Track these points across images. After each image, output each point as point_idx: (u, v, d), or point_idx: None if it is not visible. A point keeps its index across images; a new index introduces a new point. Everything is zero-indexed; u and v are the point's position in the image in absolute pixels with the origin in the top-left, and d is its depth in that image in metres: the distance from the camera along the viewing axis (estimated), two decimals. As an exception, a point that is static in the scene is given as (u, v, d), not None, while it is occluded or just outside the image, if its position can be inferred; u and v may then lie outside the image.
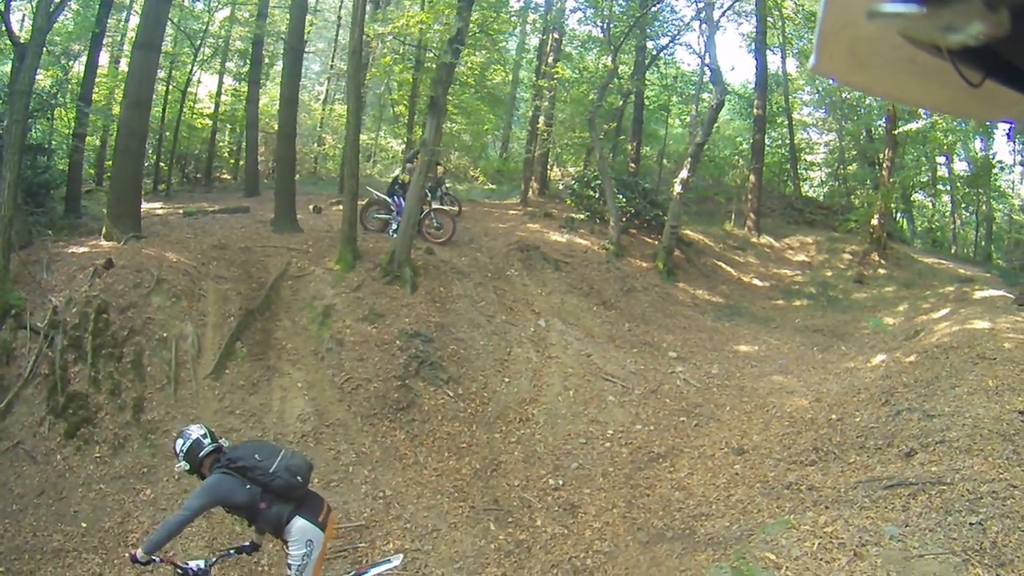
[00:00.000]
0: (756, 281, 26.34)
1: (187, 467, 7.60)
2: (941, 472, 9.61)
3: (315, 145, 37.44)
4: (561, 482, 12.63)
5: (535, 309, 17.75)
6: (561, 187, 31.14)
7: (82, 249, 15.72)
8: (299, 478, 7.63)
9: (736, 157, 40.01)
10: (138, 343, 13.10)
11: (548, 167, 32.85)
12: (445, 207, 23.01)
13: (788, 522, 9.12)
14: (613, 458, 13.36)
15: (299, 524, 7.60)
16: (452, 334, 15.56)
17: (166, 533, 7.06)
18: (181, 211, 21.94)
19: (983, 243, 38.65)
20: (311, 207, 23.16)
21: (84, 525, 10.41)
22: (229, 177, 33.29)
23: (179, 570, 7.47)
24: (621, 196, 25.69)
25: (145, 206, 19.96)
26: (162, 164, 29.91)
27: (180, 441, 7.64)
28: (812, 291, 25.40)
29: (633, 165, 33.06)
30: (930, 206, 42.15)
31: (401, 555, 8.87)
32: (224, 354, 13.58)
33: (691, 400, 15.32)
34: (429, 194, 20.86)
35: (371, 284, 16.04)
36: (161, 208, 22.45)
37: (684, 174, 24.36)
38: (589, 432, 14.04)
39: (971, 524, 8.07)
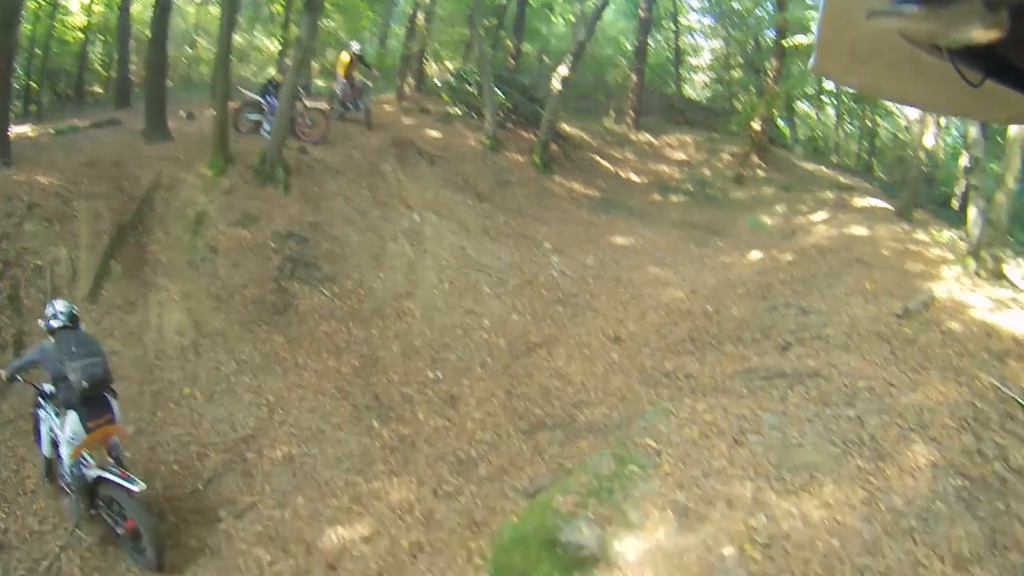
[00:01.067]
0: (633, 177, 26.38)
1: (45, 327, 9.08)
2: (818, 366, 9.80)
3: (188, 49, 36.26)
4: (440, 375, 12.76)
5: (409, 204, 17.54)
6: (439, 83, 30.73)
7: (-50, 181, 15.09)
8: (85, 382, 8.45)
9: (619, 57, 39.78)
10: (14, 275, 12.49)
11: (425, 63, 32.31)
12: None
13: (667, 409, 9.16)
14: (491, 348, 13.55)
15: (72, 417, 8.59)
16: (326, 233, 15.35)
17: (12, 367, 9.17)
18: (52, 131, 21.17)
19: (866, 156, 39.05)
20: (183, 113, 22.21)
21: (-21, 479, 10.05)
22: (101, 91, 31.85)
23: (36, 388, 9.32)
24: (499, 91, 25.51)
25: (15, 130, 19.20)
26: (32, 84, 28.88)
27: (47, 307, 9.21)
28: (690, 188, 25.54)
29: (513, 62, 32.87)
30: (814, 116, 42.45)
31: (144, 485, 8.81)
32: (99, 275, 13.06)
33: (567, 290, 15.56)
34: (302, 92, 20.43)
35: (243, 187, 15.66)
36: (31, 130, 21.40)
37: (564, 71, 24.26)
38: (466, 324, 14.19)
39: (849, 417, 8.20)
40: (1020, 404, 9.06)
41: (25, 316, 12.03)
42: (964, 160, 18.44)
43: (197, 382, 11.68)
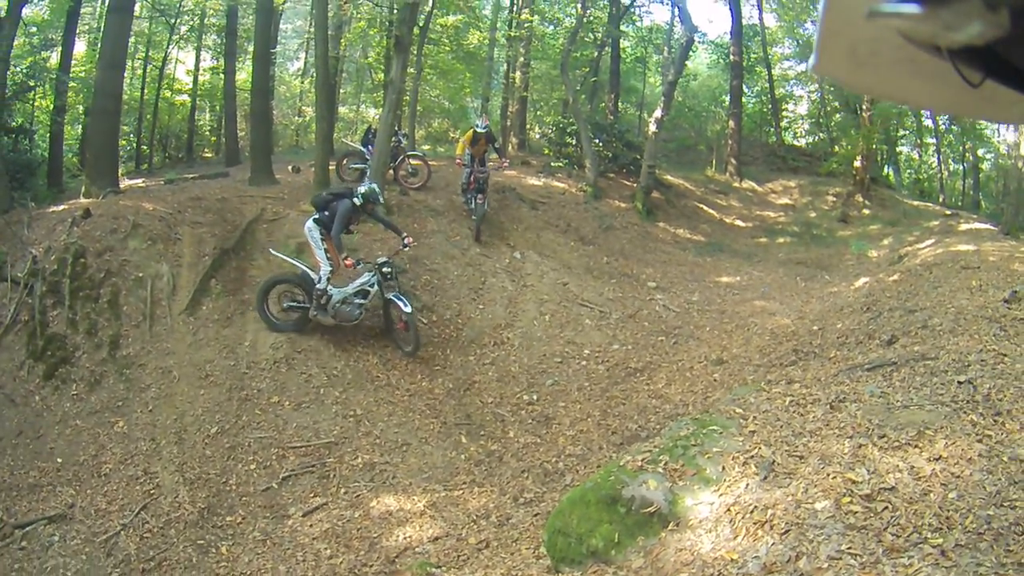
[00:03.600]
0: (738, 222, 26.33)
1: None
2: (925, 350, 9.32)
3: (296, 117, 37.27)
4: (535, 397, 12.81)
5: (510, 243, 17.80)
6: (539, 138, 31.00)
7: (62, 206, 15.91)
8: None
9: (716, 108, 39.97)
10: (114, 284, 13.17)
11: (527, 126, 32.65)
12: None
13: (759, 386, 8.88)
14: (589, 375, 13.51)
15: None
16: (426, 266, 15.70)
17: None
18: (162, 181, 21.93)
19: (971, 192, 38.65)
20: (290, 168, 23.05)
21: (59, 460, 10.51)
22: (211, 154, 32.99)
23: None
24: (598, 140, 25.87)
25: (127, 182, 20.25)
26: (143, 147, 29.96)
27: None
28: (796, 230, 25.41)
29: (612, 117, 32.63)
30: (916, 158, 42.05)
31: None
32: (198, 291, 13.63)
33: (670, 323, 15.49)
34: (404, 140, 20.85)
35: None
36: (143, 182, 22.49)
37: (658, 113, 24.50)
38: (565, 352, 14.19)
39: (959, 383, 7.60)
40: None
41: (123, 321, 12.77)
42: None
43: (286, 391, 11.97)
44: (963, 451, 6.14)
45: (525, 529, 8.74)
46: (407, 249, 13.93)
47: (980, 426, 6.57)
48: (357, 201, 13.24)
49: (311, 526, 9.47)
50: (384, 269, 13.13)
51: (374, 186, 13.71)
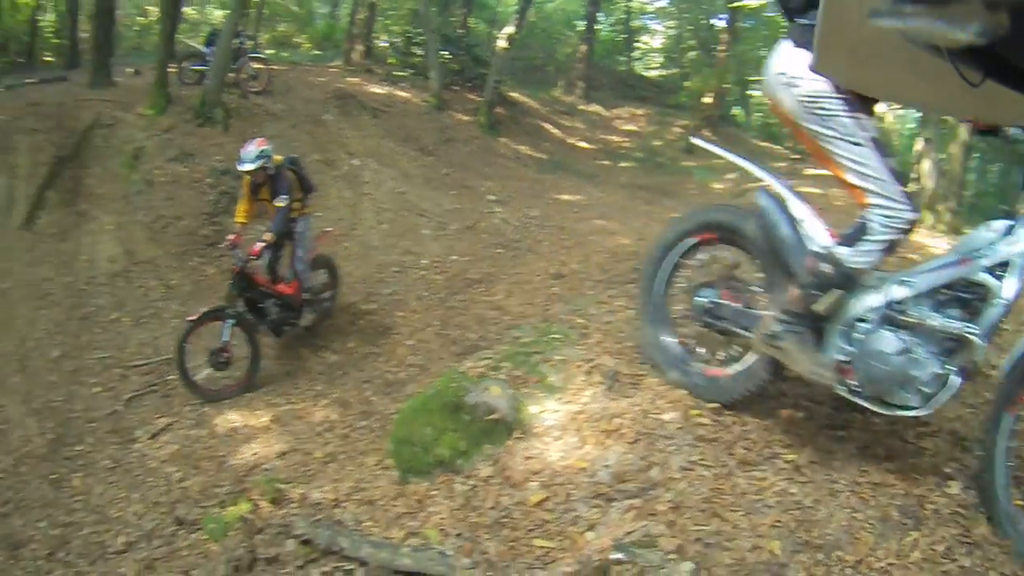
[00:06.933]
0: (582, 143, 26.53)
1: None
2: None
3: (139, 17, 36.35)
4: (374, 307, 12.69)
5: (350, 150, 17.48)
6: (387, 44, 30.63)
7: None
8: None
9: (569, 33, 40.00)
10: (-48, 203, 12.60)
11: (373, 34, 32.11)
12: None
13: (599, 299, 8.89)
14: (428, 284, 13.46)
15: None
16: (264, 171, 15.23)
17: None
18: (1, 88, 20.88)
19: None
20: (131, 70, 22.05)
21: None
22: (52, 59, 31.62)
23: None
24: (446, 52, 25.73)
25: (-34, 92, 19.30)
26: (-20, 56, 28.57)
27: None
28: (640, 155, 25.65)
29: (462, 31, 32.35)
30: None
31: None
32: (35, 204, 13.12)
33: (509, 236, 15.51)
34: (247, 41, 20.24)
35: (183, 126, 15.63)
36: (-20, 90, 21.47)
37: (510, 29, 24.51)
38: (403, 262, 14.17)
39: None
40: None
41: (-40, 238, 12.08)
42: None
43: (125, 307, 11.67)
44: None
45: (370, 441, 8.57)
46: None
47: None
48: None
49: (159, 448, 9.18)
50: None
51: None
